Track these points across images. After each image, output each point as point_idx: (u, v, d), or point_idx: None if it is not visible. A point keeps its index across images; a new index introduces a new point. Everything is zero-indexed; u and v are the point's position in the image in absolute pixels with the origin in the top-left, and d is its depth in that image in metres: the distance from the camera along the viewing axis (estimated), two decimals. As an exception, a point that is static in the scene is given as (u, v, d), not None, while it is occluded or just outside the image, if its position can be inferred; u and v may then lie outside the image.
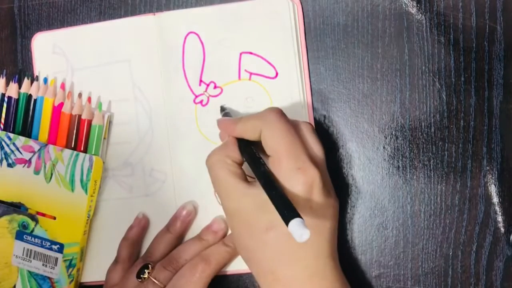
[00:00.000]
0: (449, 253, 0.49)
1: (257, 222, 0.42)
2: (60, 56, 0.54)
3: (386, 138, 0.50)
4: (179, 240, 0.52)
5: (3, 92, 0.53)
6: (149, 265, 0.48)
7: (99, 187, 0.53)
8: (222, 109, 0.51)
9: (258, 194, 0.41)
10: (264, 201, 0.40)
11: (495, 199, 0.49)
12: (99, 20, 0.55)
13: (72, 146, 0.52)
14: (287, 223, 0.35)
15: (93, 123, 0.52)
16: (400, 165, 0.50)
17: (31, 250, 0.52)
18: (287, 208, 0.37)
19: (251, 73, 0.51)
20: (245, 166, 0.45)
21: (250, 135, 0.44)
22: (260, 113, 0.44)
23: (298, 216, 0.35)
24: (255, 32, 0.51)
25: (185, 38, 0.52)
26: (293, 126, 0.43)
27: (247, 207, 0.42)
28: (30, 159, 0.52)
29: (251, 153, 0.43)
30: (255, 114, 0.45)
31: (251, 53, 0.51)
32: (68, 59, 0.54)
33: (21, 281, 0.53)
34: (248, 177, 0.44)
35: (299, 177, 0.41)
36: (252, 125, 0.44)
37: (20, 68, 0.56)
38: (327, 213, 0.42)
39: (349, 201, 0.51)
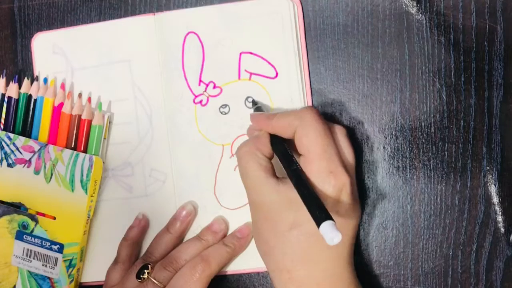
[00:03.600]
0: (449, 253, 0.49)
1: (282, 219, 0.42)
2: (60, 56, 0.54)
3: (386, 138, 0.50)
4: (179, 240, 0.52)
5: (3, 92, 0.53)
6: (149, 266, 0.48)
7: (99, 187, 0.53)
8: (254, 103, 0.50)
9: (287, 191, 0.42)
10: (292, 199, 0.40)
11: (495, 199, 0.49)
12: (99, 20, 0.55)
13: (72, 146, 0.52)
14: (318, 224, 0.36)
15: (93, 123, 0.52)
16: (400, 165, 0.50)
17: (31, 250, 0.52)
18: (319, 209, 0.37)
19: (251, 73, 0.51)
20: (274, 162, 0.45)
21: (284, 132, 0.44)
22: (297, 112, 0.44)
23: (330, 218, 0.35)
24: (255, 32, 0.51)
25: (185, 38, 0.52)
26: (328, 128, 0.43)
27: (274, 202, 0.43)
28: (30, 159, 0.52)
29: (284, 150, 0.43)
30: (291, 112, 0.45)
31: (251, 53, 0.51)
32: (68, 59, 0.54)
33: (21, 281, 0.53)
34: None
35: (330, 180, 0.41)
36: (288, 122, 0.44)
37: (20, 68, 0.56)
38: (351, 219, 0.43)
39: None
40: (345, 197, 0.42)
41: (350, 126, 0.51)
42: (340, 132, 0.45)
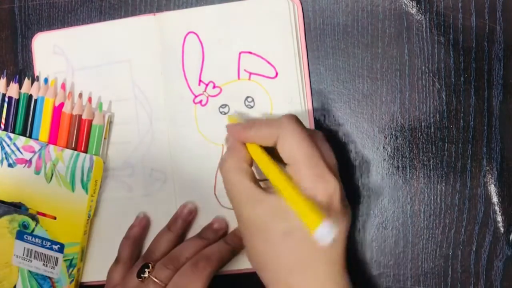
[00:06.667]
0: (449, 253, 0.49)
1: (273, 229, 0.42)
2: (60, 56, 0.55)
3: (386, 138, 0.50)
4: (180, 239, 0.52)
5: (4, 93, 0.53)
6: (149, 265, 0.48)
7: (99, 187, 0.53)
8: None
9: (274, 200, 0.41)
10: (281, 208, 0.40)
11: (495, 199, 0.49)
12: (99, 20, 0.55)
13: (73, 146, 0.52)
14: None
15: (94, 123, 0.52)
16: (400, 165, 0.50)
17: (31, 250, 0.52)
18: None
19: (250, 73, 0.51)
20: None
21: (265, 142, 0.44)
22: (277, 120, 0.44)
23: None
24: (254, 31, 0.51)
25: (185, 38, 0.52)
26: (310, 135, 0.43)
27: (263, 214, 0.42)
28: (30, 159, 0.52)
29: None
30: (269, 121, 0.44)
31: (250, 52, 0.51)
32: (69, 59, 0.54)
33: (22, 281, 0.53)
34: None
35: (320, 186, 0.41)
36: (267, 132, 0.43)
37: (21, 68, 0.56)
38: (343, 223, 0.42)
39: (349, 201, 0.51)
40: (336, 201, 0.41)
41: (350, 126, 0.51)
42: (320, 137, 0.44)
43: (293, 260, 0.42)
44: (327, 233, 0.35)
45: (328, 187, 0.41)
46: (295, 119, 0.43)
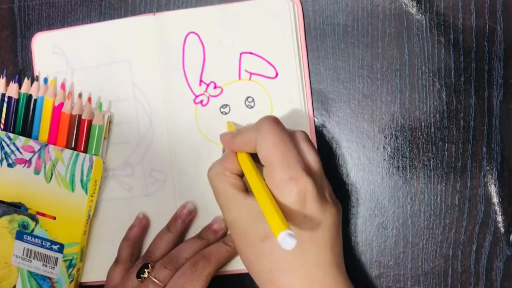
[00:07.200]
0: (449, 253, 0.49)
1: (254, 232, 0.42)
2: (60, 56, 0.55)
3: (386, 138, 0.50)
4: (180, 239, 0.52)
5: (3, 92, 0.53)
6: (149, 265, 0.48)
7: (99, 187, 0.53)
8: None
9: (255, 204, 0.41)
10: (260, 211, 0.40)
11: (495, 199, 0.49)
12: (99, 20, 0.55)
13: (72, 146, 0.52)
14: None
15: (93, 123, 0.52)
16: (400, 165, 0.50)
17: (31, 250, 0.52)
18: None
19: (251, 73, 0.51)
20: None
21: (248, 148, 0.44)
22: (256, 124, 0.44)
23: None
24: (255, 32, 0.51)
25: (185, 38, 0.52)
26: (288, 134, 0.43)
27: (244, 217, 0.43)
28: (30, 159, 0.52)
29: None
30: (251, 126, 0.45)
31: (251, 53, 0.51)
32: (68, 59, 0.54)
33: (21, 281, 0.53)
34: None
35: (292, 187, 0.41)
36: (248, 138, 0.44)
37: (20, 68, 0.56)
38: (323, 221, 0.42)
39: (349, 202, 0.51)
40: (311, 201, 0.41)
41: (350, 126, 0.51)
42: (300, 137, 0.44)
43: (275, 262, 0.42)
44: (288, 238, 0.36)
45: (300, 188, 0.41)
46: (273, 120, 0.43)
